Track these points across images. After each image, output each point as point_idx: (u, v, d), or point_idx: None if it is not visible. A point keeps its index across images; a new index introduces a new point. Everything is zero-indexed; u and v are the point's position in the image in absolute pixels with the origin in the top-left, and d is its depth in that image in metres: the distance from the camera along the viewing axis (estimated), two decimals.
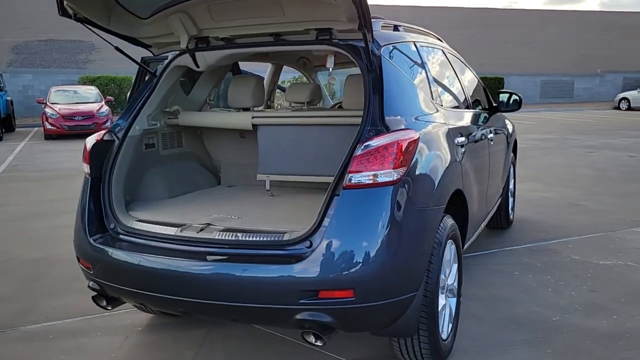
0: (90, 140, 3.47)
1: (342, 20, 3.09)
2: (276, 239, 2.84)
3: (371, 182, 2.72)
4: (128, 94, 17.87)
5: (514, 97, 5.17)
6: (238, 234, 2.92)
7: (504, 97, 5.22)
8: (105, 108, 17.77)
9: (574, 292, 4.39)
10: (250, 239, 2.88)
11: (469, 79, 4.89)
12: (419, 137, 2.91)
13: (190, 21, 3.46)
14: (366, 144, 2.75)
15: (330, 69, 3.53)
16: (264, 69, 5.89)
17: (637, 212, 6.95)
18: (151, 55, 3.92)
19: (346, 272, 2.64)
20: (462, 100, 4.41)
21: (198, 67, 3.65)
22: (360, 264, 2.64)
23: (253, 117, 3.86)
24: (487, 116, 4.88)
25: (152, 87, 3.68)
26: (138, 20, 3.52)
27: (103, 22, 3.38)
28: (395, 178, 2.73)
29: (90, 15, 3.29)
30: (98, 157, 3.41)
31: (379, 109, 2.93)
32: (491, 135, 4.64)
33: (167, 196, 3.85)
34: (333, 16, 3.12)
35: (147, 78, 3.81)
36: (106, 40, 3.48)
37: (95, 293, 3.19)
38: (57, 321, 4.03)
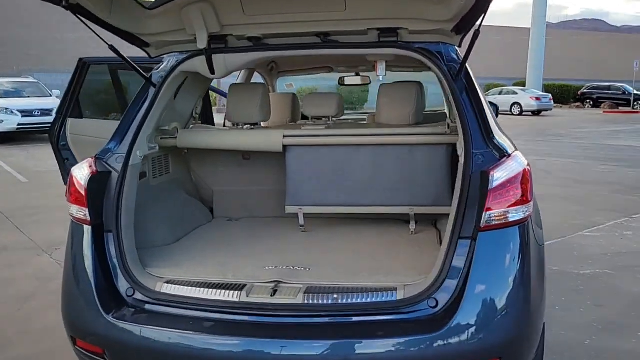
0: (82, 173, 2.53)
1: (428, 19, 2.55)
2: (388, 298, 2.22)
3: (509, 220, 2.24)
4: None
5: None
6: (333, 295, 2.25)
7: None
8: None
9: (582, 309, 4.30)
10: (353, 301, 2.23)
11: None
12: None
13: (214, 13, 2.66)
14: (498, 174, 2.25)
15: (381, 78, 2.95)
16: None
17: (570, 215, 7.24)
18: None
19: (492, 337, 2.12)
20: None
21: (213, 73, 2.85)
22: (508, 325, 2.15)
23: (284, 137, 3.14)
24: None
25: (152, 99, 2.80)
26: (143, 12, 2.66)
27: (103, 12, 2.47)
28: (527, 213, 2.28)
29: (89, 4, 2.38)
30: (97, 197, 2.50)
31: (480, 126, 2.44)
32: None
33: (171, 239, 3.01)
34: (413, 13, 2.57)
35: (142, 87, 2.91)
36: (98, 36, 2.54)
37: None
38: None
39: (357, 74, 5.28)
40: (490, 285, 2.16)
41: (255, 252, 2.84)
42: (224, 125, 4.65)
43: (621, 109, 33.22)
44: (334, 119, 3.47)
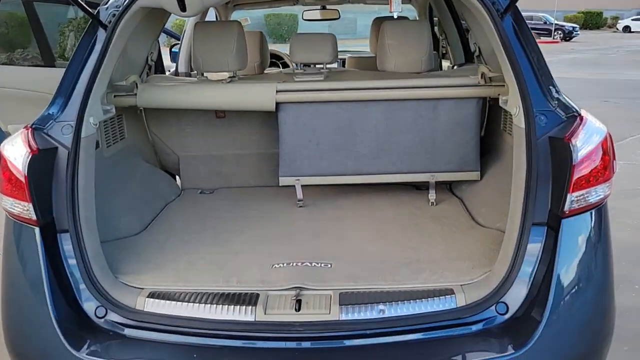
0: (17, 152, 1.83)
1: None
2: (446, 306, 1.76)
3: (590, 202, 1.79)
4: None
5: None
6: (378, 306, 1.75)
7: None
8: None
9: None
10: (403, 313, 1.74)
11: None
12: None
13: None
14: (580, 143, 1.77)
15: (396, 15, 2.35)
16: None
17: None
18: None
19: (587, 349, 1.73)
20: None
21: (184, 9, 2.14)
22: (601, 330, 1.78)
23: (278, 92, 2.50)
24: None
25: (103, 45, 2.07)
26: None
27: None
28: (608, 192, 1.84)
29: None
30: (43, 185, 1.83)
31: (538, 77, 1.93)
32: None
33: (138, 226, 2.38)
34: None
35: (87, 29, 2.16)
36: None
37: None
38: None
39: (324, 7, 4.60)
40: (579, 284, 1.74)
41: (252, 241, 2.27)
42: (181, 74, 3.90)
43: (543, 39, 33.92)
44: (328, 66, 2.85)
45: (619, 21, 42.70)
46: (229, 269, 2.00)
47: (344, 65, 4.70)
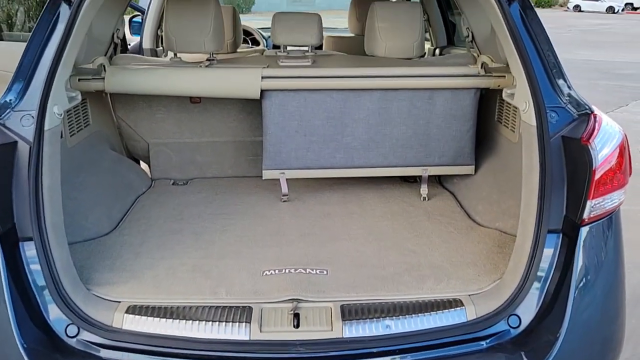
0: None
1: None
2: (456, 319, 1.64)
3: (607, 208, 1.70)
4: None
5: None
6: (384, 322, 1.61)
7: None
8: None
9: None
10: (411, 328, 1.61)
11: None
12: None
13: None
14: (599, 145, 1.66)
15: None
16: None
17: None
18: None
19: None
20: None
21: None
22: (618, 343, 1.70)
23: (263, 78, 2.29)
24: None
25: (67, 24, 1.80)
26: None
27: None
28: (623, 197, 1.75)
29: None
30: (0, 185, 1.60)
31: (547, 70, 1.80)
32: None
33: (108, 225, 2.16)
34: None
35: (47, 5, 1.88)
36: None
37: None
38: None
39: None
40: (598, 295, 1.65)
41: (236, 242, 2.07)
42: (145, 50, 3.59)
43: None
44: (314, 49, 2.64)
45: (570, 0, 43.63)
46: (215, 277, 1.82)
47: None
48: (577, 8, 40.53)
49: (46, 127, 1.69)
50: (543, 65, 1.80)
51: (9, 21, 4.39)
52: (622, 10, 39.97)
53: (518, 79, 1.85)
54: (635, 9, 41.95)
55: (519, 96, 1.86)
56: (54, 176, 1.69)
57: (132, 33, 4.33)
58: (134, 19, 4.48)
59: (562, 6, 45.69)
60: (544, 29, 1.89)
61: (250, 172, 2.74)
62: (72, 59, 1.88)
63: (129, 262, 1.91)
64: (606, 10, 38.91)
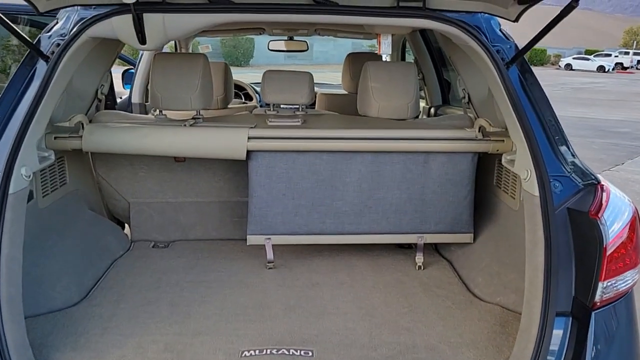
0: None
1: None
2: None
3: (620, 290, 1.56)
4: None
5: None
6: None
7: None
8: None
9: None
10: None
11: None
12: None
13: None
14: (610, 220, 1.53)
15: (385, 56, 2.09)
16: None
17: None
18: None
19: None
20: None
21: (144, 42, 1.80)
22: None
23: (250, 139, 2.18)
24: None
25: (43, 81, 1.70)
26: None
27: None
28: (637, 277, 1.61)
29: None
30: None
31: (549, 136, 1.70)
32: None
33: (77, 294, 2.00)
34: None
35: (24, 61, 1.78)
36: None
37: None
38: None
39: (291, 38, 4.31)
40: None
41: (214, 316, 1.91)
42: (134, 105, 3.50)
43: None
44: (305, 108, 2.55)
45: (561, 59, 44.75)
46: (187, 359, 1.64)
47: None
48: (569, 67, 41.50)
49: (11, 191, 1.56)
50: (544, 131, 1.71)
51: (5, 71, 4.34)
52: (613, 69, 40.93)
53: (518, 145, 1.75)
54: (625, 68, 43.01)
55: (520, 163, 1.75)
56: (14, 244, 1.54)
57: (124, 84, 4.25)
58: (129, 71, 4.42)
59: (553, 64, 46.79)
60: (545, 94, 1.80)
61: (235, 235, 2.59)
62: (47, 116, 1.77)
63: (94, 339, 1.73)
64: (597, 69, 39.87)
